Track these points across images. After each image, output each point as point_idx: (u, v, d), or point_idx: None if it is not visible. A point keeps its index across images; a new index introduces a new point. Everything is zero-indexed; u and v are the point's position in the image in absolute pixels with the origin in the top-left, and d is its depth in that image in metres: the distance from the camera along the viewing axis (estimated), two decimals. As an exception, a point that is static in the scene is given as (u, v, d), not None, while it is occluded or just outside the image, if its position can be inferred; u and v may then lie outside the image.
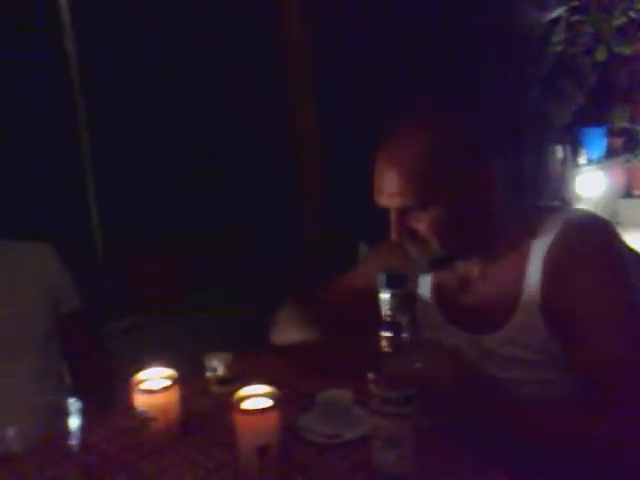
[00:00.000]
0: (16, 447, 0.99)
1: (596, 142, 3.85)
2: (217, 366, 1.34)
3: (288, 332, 1.49)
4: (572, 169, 3.81)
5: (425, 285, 1.37)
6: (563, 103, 3.84)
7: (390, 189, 1.19)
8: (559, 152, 3.81)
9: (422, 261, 1.24)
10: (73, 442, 1.02)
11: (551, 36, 3.88)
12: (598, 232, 1.19)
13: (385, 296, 0.98)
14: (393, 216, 1.21)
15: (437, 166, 1.17)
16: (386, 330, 0.99)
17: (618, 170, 3.90)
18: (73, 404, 1.02)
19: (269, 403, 1.09)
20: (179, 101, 2.73)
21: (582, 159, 3.85)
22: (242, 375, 1.32)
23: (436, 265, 1.25)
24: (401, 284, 0.99)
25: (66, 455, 1.02)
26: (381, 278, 0.98)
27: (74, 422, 1.02)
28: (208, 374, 1.35)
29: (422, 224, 1.20)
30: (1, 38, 2.29)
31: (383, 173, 1.20)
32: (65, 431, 1.02)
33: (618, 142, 3.92)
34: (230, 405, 1.22)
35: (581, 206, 3.37)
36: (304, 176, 3.14)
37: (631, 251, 1.28)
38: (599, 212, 1.29)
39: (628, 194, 3.92)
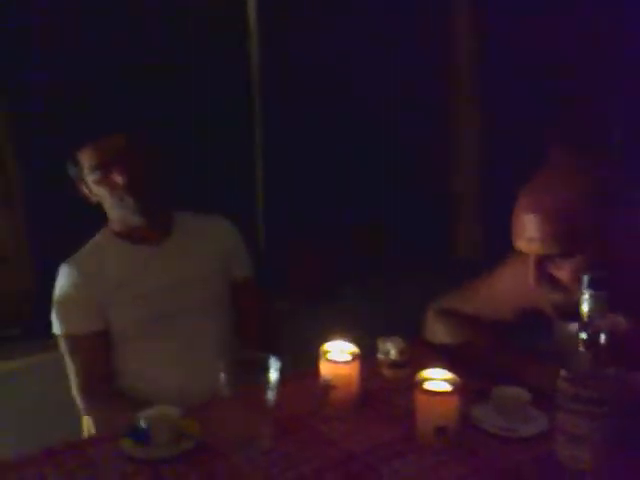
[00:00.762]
0: (226, 392, 1.10)
1: None
2: (390, 350, 1.40)
3: (436, 333, 1.56)
4: None
5: None
6: None
7: (530, 234, 1.16)
8: None
9: (564, 309, 1.20)
10: (269, 397, 1.12)
11: None
12: None
13: (585, 297, 1.00)
14: (532, 262, 1.18)
15: (581, 214, 1.13)
16: (583, 330, 1.00)
17: None
18: (274, 362, 1.12)
19: (448, 387, 1.14)
20: (345, 106, 2.83)
21: None
22: (413, 360, 1.37)
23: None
24: (603, 286, 1.00)
25: (261, 407, 1.12)
26: (584, 279, 1.00)
27: (272, 378, 1.11)
28: (380, 356, 1.42)
29: (564, 272, 1.16)
30: (189, 35, 2.49)
31: (524, 217, 1.17)
32: (264, 385, 1.11)
33: None
34: (401, 387, 1.30)
35: None
36: (458, 177, 3.17)
37: None
38: None
39: None
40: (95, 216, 1.72)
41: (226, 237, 1.82)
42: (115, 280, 1.65)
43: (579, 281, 1.10)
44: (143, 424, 1.13)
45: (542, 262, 1.17)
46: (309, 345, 1.34)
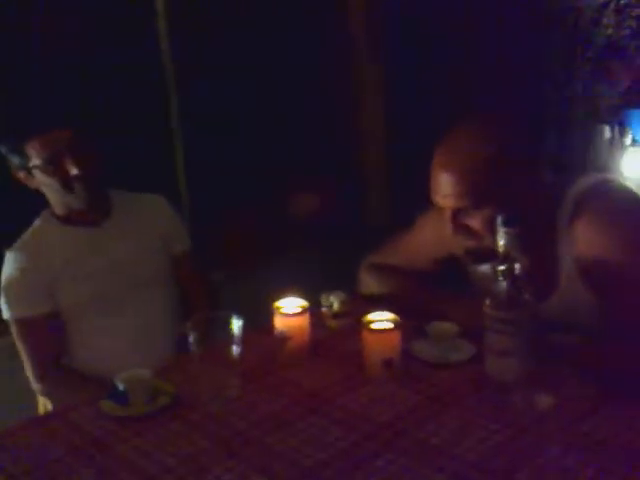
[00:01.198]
0: (195, 349, 1.21)
1: (642, 123, 3.97)
2: (333, 302, 1.55)
3: (369, 286, 1.73)
4: (619, 149, 3.96)
5: None
6: (611, 84, 3.99)
7: (445, 191, 1.33)
8: (606, 132, 3.96)
9: (476, 254, 1.37)
10: (234, 351, 1.24)
11: (601, 19, 4.02)
12: (607, 197, 1.37)
13: (501, 233, 1.18)
14: (448, 214, 1.35)
15: (487, 173, 1.30)
16: (501, 262, 1.19)
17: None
18: (236, 319, 1.24)
19: (390, 325, 1.31)
20: (259, 94, 2.96)
21: (628, 140, 3.98)
22: (353, 311, 1.53)
23: (490, 258, 1.28)
24: (514, 224, 1.18)
25: (228, 360, 1.24)
26: (499, 219, 1.18)
27: (237, 333, 1.23)
28: (324, 309, 1.56)
29: (476, 221, 1.33)
30: (102, 38, 2.54)
31: (438, 175, 1.34)
32: (229, 340, 1.23)
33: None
34: (345, 335, 1.46)
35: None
36: (366, 151, 3.37)
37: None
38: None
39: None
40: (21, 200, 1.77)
41: (163, 214, 1.91)
42: (60, 262, 1.70)
43: (488, 229, 1.31)
44: (121, 386, 1.23)
45: (457, 214, 1.34)
46: (250, 309, 1.46)
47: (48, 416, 1.28)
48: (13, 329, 1.70)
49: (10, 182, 1.71)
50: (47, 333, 1.71)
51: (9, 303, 1.69)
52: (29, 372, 1.71)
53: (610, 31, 3.96)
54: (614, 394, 1.14)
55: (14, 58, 2.27)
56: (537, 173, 1.37)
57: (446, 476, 0.99)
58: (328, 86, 3.18)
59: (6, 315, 1.69)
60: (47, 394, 1.72)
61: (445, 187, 1.33)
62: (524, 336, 1.17)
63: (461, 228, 1.36)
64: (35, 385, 1.71)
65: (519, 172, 1.33)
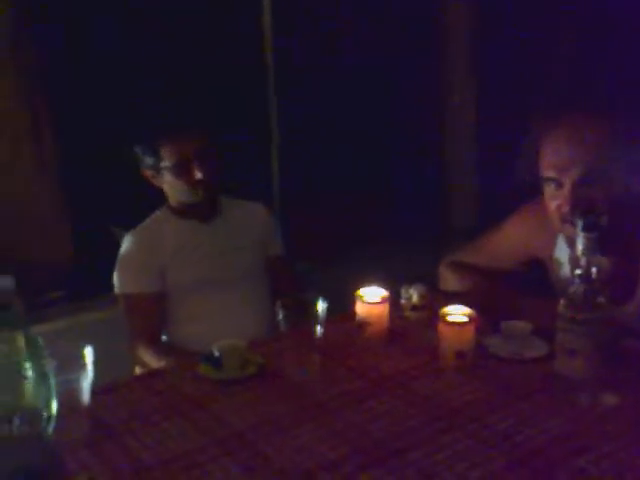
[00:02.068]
0: (283, 327, 1.33)
1: None
2: (412, 295, 1.63)
3: (448, 282, 1.80)
4: None
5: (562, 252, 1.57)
6: None
7: (569, 162, 1.38)
8: None
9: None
10: (318, 330, 1.35)
11: None
12: None
13: (580, 238, 1.22)
14: (567, 189, 1.39)
15: (607, 143, 1.37)
16: (578, 266, 1.23)
17: None
18: (321, 301, 1.34)
19: (466, 319, 1.38)
20: (354, 83, 3.07)
21: None
22: (431, 305, 1.60)
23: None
24: (594, 229, 1.22)
25: (311, 339, 1.35)
26: (578, 222, 1.22)
27: (321, 315, 1.34)
28: (403, 301, 1.64)
29: (597, 195, 1.37)
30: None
31: (561, 146, 1.39)
32: (313, 321, 1.34)
33: None
34: (421, 326, 1.53)
35: None
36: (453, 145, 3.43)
37: None
38: None
39: None
40: (128, 185, 1.99)
41: (263, 221, 2.10)
42: (172, 249, 1.91)
43: (610, 207, 1.35)
44: (216, 352, 1.36)
45: (576, 189, 1.38)
46: (333, 298, 1.56)
47: (147, 375, 1.42)
48: (121, 303, 1.91)
49: (134, 179, 1.92)
50: (151, 310, 1.90)
51: (122, 279, 1.89)
52: (131, 342, 1.89)
53: None
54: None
55: (155, 67, 2.56)
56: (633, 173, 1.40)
57: (506, 459, 1.06)
58: (416, 87, 3.26)
59: (117, 290, 1.90)
60: (144, 365, 1.89)
61: (570, 156, 1.38)
62: (595, 338, 1.21)
63: (581, 202, 1.38)
64: (135, 356, 1.89)
65: (630, 152, 1.37)
